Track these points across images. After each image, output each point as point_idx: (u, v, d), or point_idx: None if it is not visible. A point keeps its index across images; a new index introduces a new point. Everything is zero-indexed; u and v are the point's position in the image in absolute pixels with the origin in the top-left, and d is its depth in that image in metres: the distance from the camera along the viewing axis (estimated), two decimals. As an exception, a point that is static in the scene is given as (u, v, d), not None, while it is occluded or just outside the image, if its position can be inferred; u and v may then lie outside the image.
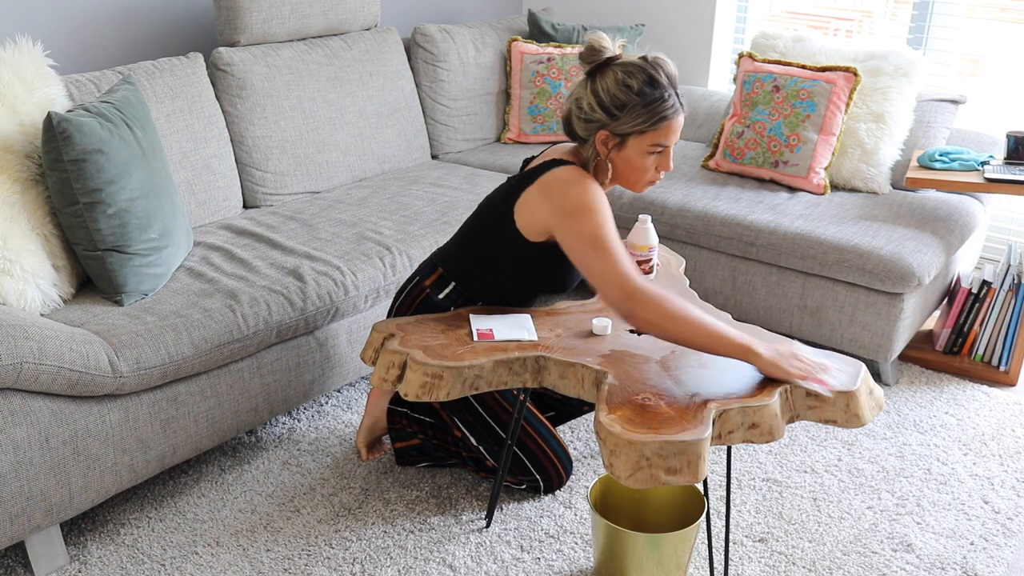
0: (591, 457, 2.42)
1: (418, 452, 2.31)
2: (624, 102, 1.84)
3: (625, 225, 3.09)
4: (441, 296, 2.10)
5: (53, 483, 1.87)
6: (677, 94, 1.88)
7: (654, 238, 2.15)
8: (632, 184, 1.96)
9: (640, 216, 2.15)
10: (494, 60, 3.57)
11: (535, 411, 2.22)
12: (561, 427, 2.53)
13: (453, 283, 2.09)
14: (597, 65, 1.89)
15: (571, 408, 2.37)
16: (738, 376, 1.72)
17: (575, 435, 2.51)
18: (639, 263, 2.16)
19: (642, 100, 1.84)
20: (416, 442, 2.29)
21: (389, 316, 2.19)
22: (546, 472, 2.19)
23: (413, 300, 2.13)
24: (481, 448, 2.18)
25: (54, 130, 1.99)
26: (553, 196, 1.89)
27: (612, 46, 1.89)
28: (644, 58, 1.87)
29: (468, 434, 2.18)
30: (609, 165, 1.92)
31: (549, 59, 3.50)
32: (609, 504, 2.02)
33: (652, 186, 1.97)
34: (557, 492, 2.27)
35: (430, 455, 2.31)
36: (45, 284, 2.04)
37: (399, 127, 3.25)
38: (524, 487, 2.24)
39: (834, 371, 1.73)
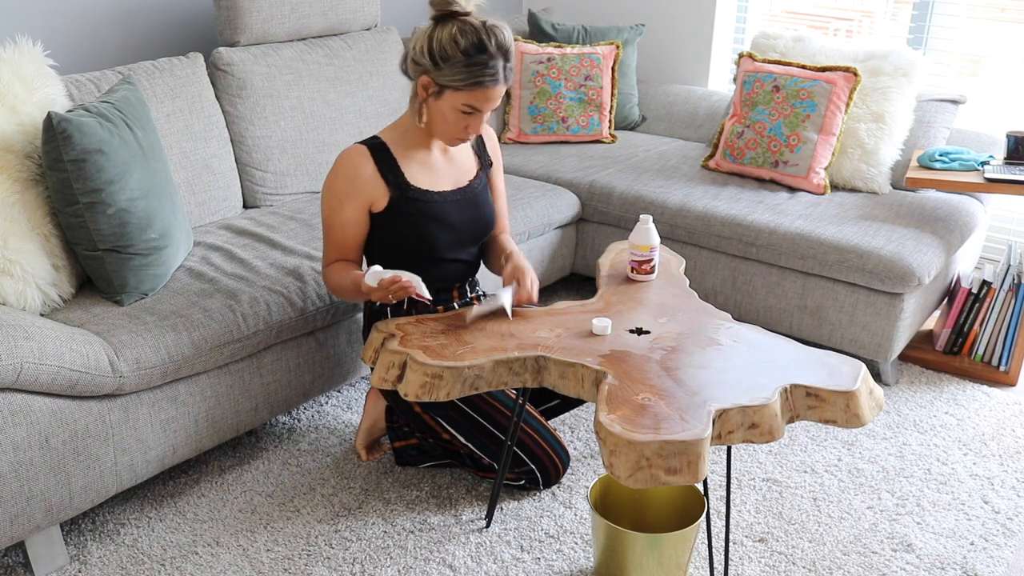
0: (591, 457, 2.42)
1: (417, 451, 2.31)
2: (449, 56, 1.93)
3: (624, 225, 3.09)
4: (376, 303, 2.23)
5: (53, 483, 1.87)
6: (505, 65, 1.96)
7: (655, 238, 2.15)
8: (440, 135, 2.07)
9: (641, 216, 2.15)
10: (494, 60, 3.56)
11: (529, 408, 2.22)
12: (561, 427, 2.53)
13: None
14: (443, 14, 1.96)
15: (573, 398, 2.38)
16: (739, 376, 1.72)
17: (575, 435, 2.51)
18: (639, 263, 2.16)
19: (465, 60, 1.92)
20: (414, 441, 2.30)
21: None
22: (542, 463, 2.20)
23: (366, 311, 2.27)
24: (471, 445, 2.19)
25: (54, 130, 1.99)
26: None
27: (465, 2, 1.97)
28: (484, 22, 1.94)
29: (456, 434, 2.18)
30: (424, 109, 2.04)
31: (549, 59, 3.50)
32: (609, 504, 2.02)
33: (460, 143, 2.11)
34: (557, 492, 2.27)
35: (429, 454, 2.31)
36: (45, 284, 2.04)
37: (399, 127, 3.25)
38: (522, 482, 2.24)
39: (418, 285, 1.90)
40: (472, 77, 1.93)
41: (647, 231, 2.14)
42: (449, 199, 2.15)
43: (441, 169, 2.17)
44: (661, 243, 2.97)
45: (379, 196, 2.08)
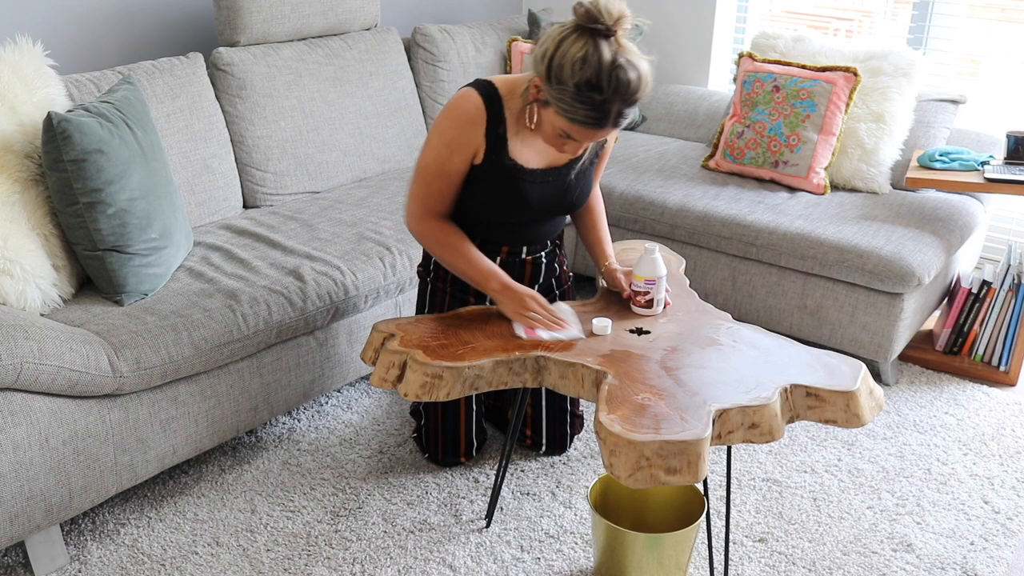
0: (591, 457, 2.42)
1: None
2: (563, 79, 1.75)
3: (624, 225, 3.09)
4: None
5: (53, 483, 1.87)
6: (619, 110, 1.77)
7: (653, 270, 1.97)
8: (544, 139, 1.93)
9: (647, 245, 1.99)
10: (494, 60, 3.56)
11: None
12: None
13: None
14: (583, 27, 1.75)
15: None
16: (739, 376, 1.72)
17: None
18: (635, 293, 2.01)
19: (575, 92, 1.75)
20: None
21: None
22: (552, 434, 2.35)
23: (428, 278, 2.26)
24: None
25: (54, 130, 1.99)
26: None
27: (616, 13, 1.72)
28: (614, 60, 1.72)
29: None
30: (535, 110, 1.90)
31: (549, 59, 3.50)
32: (609, 504, 2.02)
33: (563, 154, 1.97)
34: (557, 492, 2.27)
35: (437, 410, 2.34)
36: (45, 284, 2.04)
37: (399, 127, 3.25)
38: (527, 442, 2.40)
39: (570, 330, 1.86)
40: (575, 112, 1.77)
41: (646, 260, 1.97)
42: (538, 180, 2.03)
43: (542, 145, 2.03)
44: (661, 243, 2.98)
45: (480, 150, 1.98)
